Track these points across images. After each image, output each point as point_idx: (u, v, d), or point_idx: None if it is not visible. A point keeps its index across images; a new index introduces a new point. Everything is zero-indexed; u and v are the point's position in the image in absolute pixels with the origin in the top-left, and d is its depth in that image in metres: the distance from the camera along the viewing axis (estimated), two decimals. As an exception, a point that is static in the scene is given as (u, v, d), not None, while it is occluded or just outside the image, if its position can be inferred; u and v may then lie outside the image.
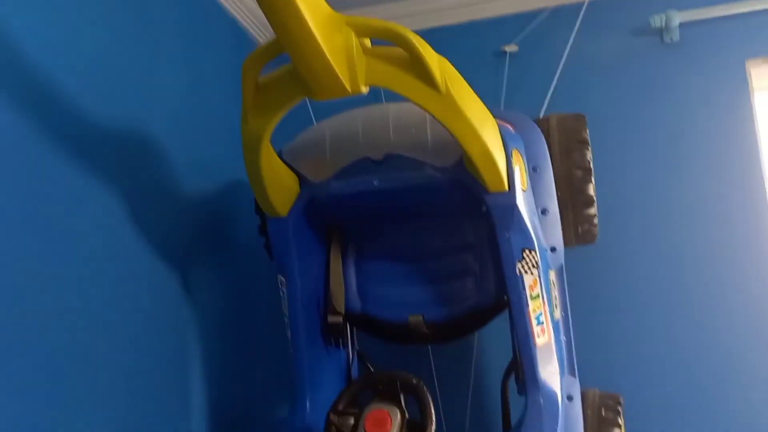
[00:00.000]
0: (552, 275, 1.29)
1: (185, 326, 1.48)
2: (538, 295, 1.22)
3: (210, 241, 1.61)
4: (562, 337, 1.30)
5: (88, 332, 1.20)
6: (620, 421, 1.30)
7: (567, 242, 1.37)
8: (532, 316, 1.21)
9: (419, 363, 1.17)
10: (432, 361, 1.43)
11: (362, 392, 1.19)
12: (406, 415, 1.11)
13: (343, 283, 1.37)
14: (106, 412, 1.22)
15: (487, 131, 1.11)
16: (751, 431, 1.44)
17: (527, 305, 1.21)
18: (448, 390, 1.39)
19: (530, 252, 1.21)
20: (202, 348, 1.51)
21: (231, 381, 1.61)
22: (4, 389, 1.01)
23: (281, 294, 1.35)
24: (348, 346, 1.40)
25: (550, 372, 1.23)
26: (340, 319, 1.35)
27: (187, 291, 1.49)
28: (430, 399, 1.11)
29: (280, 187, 1.26)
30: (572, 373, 1.32)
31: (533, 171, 1.28)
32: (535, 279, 1.22)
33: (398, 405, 1.12)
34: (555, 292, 1.30)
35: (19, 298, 1.06)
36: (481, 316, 1.35)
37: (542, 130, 1.34)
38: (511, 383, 1.32)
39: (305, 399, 1.32)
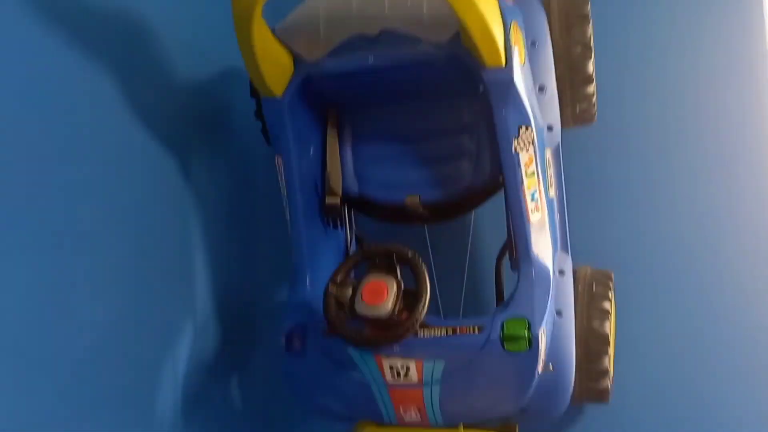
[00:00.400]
0: (548, 154, 1.30)
1: (186, 211, 1.50)
2: (534, 173, 1.24)
3: (208, 127, 1.60)
4: (556, 215, 1.32)
5: (88, 212, 1.22)
6: (611, 295, 1.35)
7: (565, 122, 1.36)
8: (527, 193, 1.23)
9: (416, 244, 1.19)
10: (428, 242, 1.46)
11: (359, 265, 1.22)
12: (402, 286, 1.15)
13: (339, 164, 1.38)
14: (109, 297, 1.25)
15: (484, 2, 1.08)
16: (740, 309, 1.48)
17: (522, 183, 1.22)
18: (444, 269, 1.42)
19: (526, 129, 1.21)
20: (203, 233, 1.54)
21: (234, 266, 1.66)
22: (4, 268, 1.03)
23: (279, 175, 1.37)
24: (346, 227, 1.43)
25: (543, 248, 1.26)
26: (337, 200, 1.37)
27: (186, 176, 1.49)
28: (424, 270, 1.15)
29: (274, 65, 1.24)
30: (565, 250, 1.35)
31: (531, 45, 1.25)
32: (531, 156, 1.22)
33: (394, 276, 1.15)
34: (550, 171, 1.31)
35: (21, 173, 1.07)
36: (476, 196, 1.36)
37: (542, 3, 1.30)
38: (506, 263, 1.37)
39: (305, 277, 1.36)
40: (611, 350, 1.33)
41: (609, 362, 1.32)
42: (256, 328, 1.71)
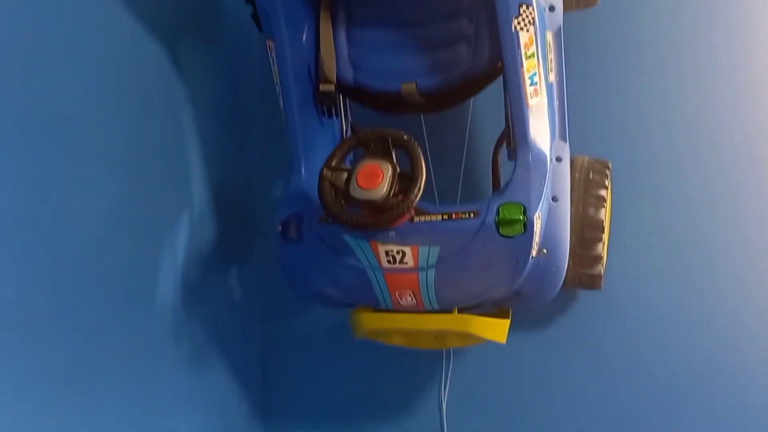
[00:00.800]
0: (549, 36, 1.25)
1: (179, 102, 1.48)
2: (533, 55, 1.20)
3: (199, 17, 1.55)
4: (555, 101, 1.30)
5: (81, 102, 1.20)
6: (607, 183, 1.34)
7: (567, 5, 1.30)
8: (526, 75, 1.20)
9: (413, 134, 1.17)
10: (425, 132, 1.44)
11: (355, 151, 1.21)
12: (398, 169, 1.13)
13: (334, 51, 1.34)
14: (105, 187, 1.25)
15: None
16: (737, 200, 1.48)
17: (522, 65, 1.19)
18: (441, 158, 1.42)
19: (527, 8, 1.17)
20: (197, 124, 1.52)
21: (229, 157, 1.65)
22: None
23: (271, 61, 1.33)
24: (341, 117, 1.40)
25: (541, 133, 1.24)
26: (331, 87, 1.34)
27: (179, 66, 1.46)
28: (420, 153, 1.13)
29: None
30: (563, 138, 1.32)
31: None
32: (531, 37, 1.19)
33: (390, 160, 1.14)
34: (551, 55, 1.27)
35: (15, 62, 1.04)
36: (474, 83, 1.33)
37: None
38: (503, 154, 1.35)
39: (300, 166, 1.36)
40: (605, 237, 1.34)
41: (602, 249, 1.33)
42: (253, 219, 1.73)
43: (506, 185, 1.23)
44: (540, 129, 1.24)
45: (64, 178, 1.15)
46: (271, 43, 1.30)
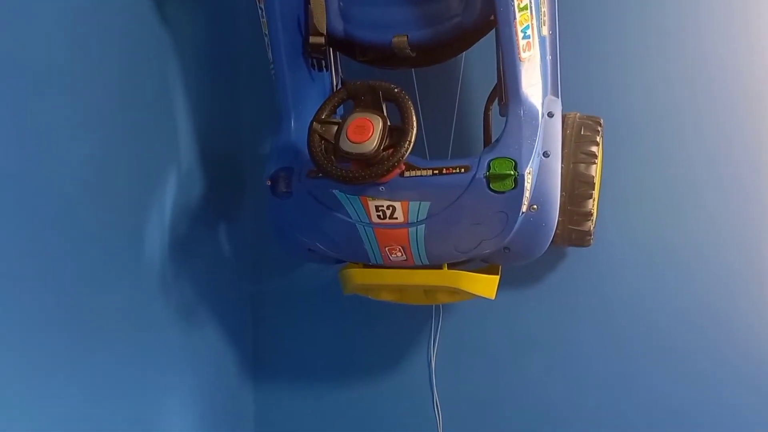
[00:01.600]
0: (542, -11, 1.23)
1: (166, 55, 1.45)
2: (526, 7, 1.18)
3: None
4: (548, 56, 1.28)
5: (67, 54, 1.17)
6: (598, 139, 1.33)
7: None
8: (519, 28, 1.18)
9: (404, 88, 1.15)
10: (416, 86, 1.42)
11: (345, 104, 1.19)
12: (388, 122, 1.12)
13: (323, 2, 1.31)
14: (90, 137, 1.23)
15: None
16: (727, 159, 1.47)
17: (514, 17, 1.16)
18: (432, 114, 1.40)
19: (520, -41, 1.14)
20: (184, 78, 1.49)
21: (217, 111, 1.62)
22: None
23: (259, 12, 1.30)
24: (331, 70, 1.38)
25: (533, 88, 1.23)
26: (321, 39, 1.31)
27: (165, 19, 1.43)
28: (411, 106, 1.12)
29: None
30: (555, 94, 1.32)
31: None
32: (524, -12, 1.16)
33: (380, 113, 1.13)
34: (544, 8, 1.25)
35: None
36: (466, 36, 1.30)
37: None
38: (495, 110, 1.34)
39: (290, 120, 1.34)
40: (596, 194, 1.34)
41: (593, 205, 1.33)
42: (242, 174, 1.71)
43: (497, 140, 1.22)
44: (532, 84, 1.22)
45: (46, 131, 1.13)
46: (258, -7, 1.27)
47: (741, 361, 1.45)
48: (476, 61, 1.47)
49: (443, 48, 1.34)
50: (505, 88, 1.23)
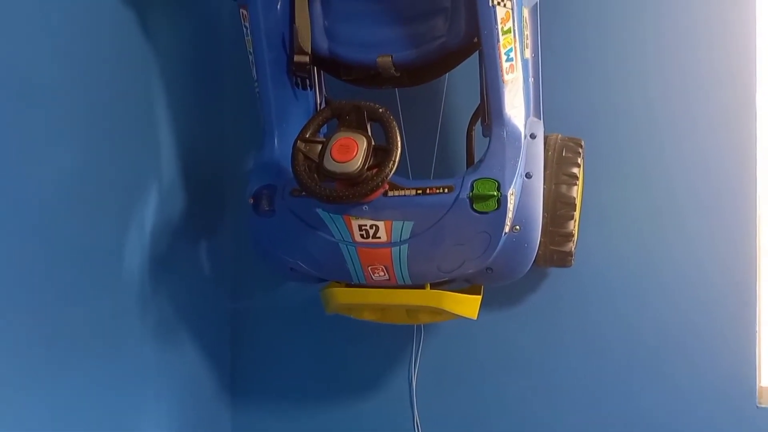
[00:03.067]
0: (525, 12, 1.25)
1: (150, 70, 1.44)
2: (510, 30, 1.19)
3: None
4: (531, 78, 1.30)
5: (49, 63, 1.16)
6: (580, 161, 1.35)
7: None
8: (502, 51, 1.19)
9: (388, 108, 1.16)
10: (400, 107, 1.43)
11: (329, 123, 1.19)
12: (372, 142, 1.12)
13: (309, 21, 1.31)
14: (71, 147, 1.21)
15: None
16: (705, 179, 1.50)
17: (498, 39, 1.18)
18: (415, 134, 1.40)
19: (504, -18, 1.16)
20: (168, 94, 1.49)
21: (199, 128, 1.61)
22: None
23: (244, 30, 1.30)
24: (315, 89, 1.38)
25: (516, 110, 1.24)
26: (306, 58, 1.31)
27: (149, 35, 1.42)
28: (395, 126, 1.12)
29: None
30: (537, 116, 1.33)
31: None
32: (508, 12, 1.18)
33: (364, 133, 1.13)
34: (527, 31, 1.27)
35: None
36: (450, 57, 1.32)
37: None
38: (478, 130, 1.35)
39: (273, 138, 1.33)
40: (577, 215, 1.35)
41: (574, 226, 1.34)
42: (224, 191, 1.70)
43: (480, 161, 1.23)
44: (515, 105, 1.24)
45: (26, 141, 1.11)
46: (244, 12, 1.27)
47: (723, 377, 1.47)
48: (460, 82, 1.48)
49: (427, 68, 1.35)
50: (488, 109, 1.24)
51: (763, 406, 1.46)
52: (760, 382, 1.47)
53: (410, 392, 1.64)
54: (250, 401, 1.75)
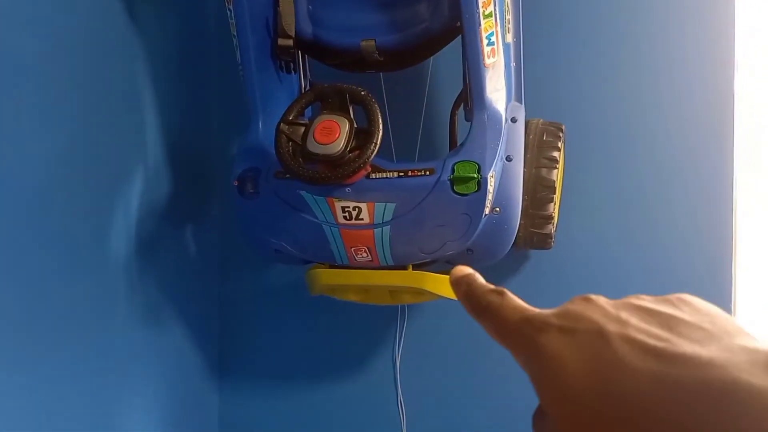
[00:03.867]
0: (507, -3, 1.27)
1: (133, 53, 1.44)
2: (491, 14, 1.21)
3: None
4: (512, 63, 1.31)
5: (33, 44, 1.16)
6: (560, 145, 1.37)
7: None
8: (483, 35, 1.21)
9: (372, 92, 1.17)
10: (384, 90, 1.44)
11: (312, 106, 1.21)
12: (355, 124, 1.14)
13: (293, 4, 1.32)
14: (51, 138, 1.22)
15: None
16: (686, 166, 1.53)
17: (479, 23, 1.19)
18: (399, 117, 1.42)
19: (485, -34, 1.17)
20: (152, 77, 1.49)
21: (185, 111, 1.62)
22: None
23: (228, 13, 1.31)
24: (300, 73, 1.39)
25: (497, 94, 1.26)
26: (290, 42, 1.32)
27: (132, 18, 1.42)
28: (377, 109, 1.14)
29: None
30: (519, 100, 1.35)
31: None
32: (489, -4, 1.19)
33: (347, 115, 1.15)
34: (508, 15, 1.29)
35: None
36: (433, 42, 1.33)
37: None
38: (461, 115, 1.37)
39: (257, 121, 1.35)
40: (557, 198, 1.38)
41: (554, 209, 1.37)
42: (210, 174, 1.71)
43: (462, 144, 1.25)
44: (496, 89, 1.26)
45: (9, 126, 1.11)
46: (227, -6, 1.28)
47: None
48: (443, 67, 1.50)
49: (411, 53, 1.36)
50: (470, 94, 1.26)
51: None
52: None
53: (394, 372, 1.67)
54: (237, 382, 1.78)
